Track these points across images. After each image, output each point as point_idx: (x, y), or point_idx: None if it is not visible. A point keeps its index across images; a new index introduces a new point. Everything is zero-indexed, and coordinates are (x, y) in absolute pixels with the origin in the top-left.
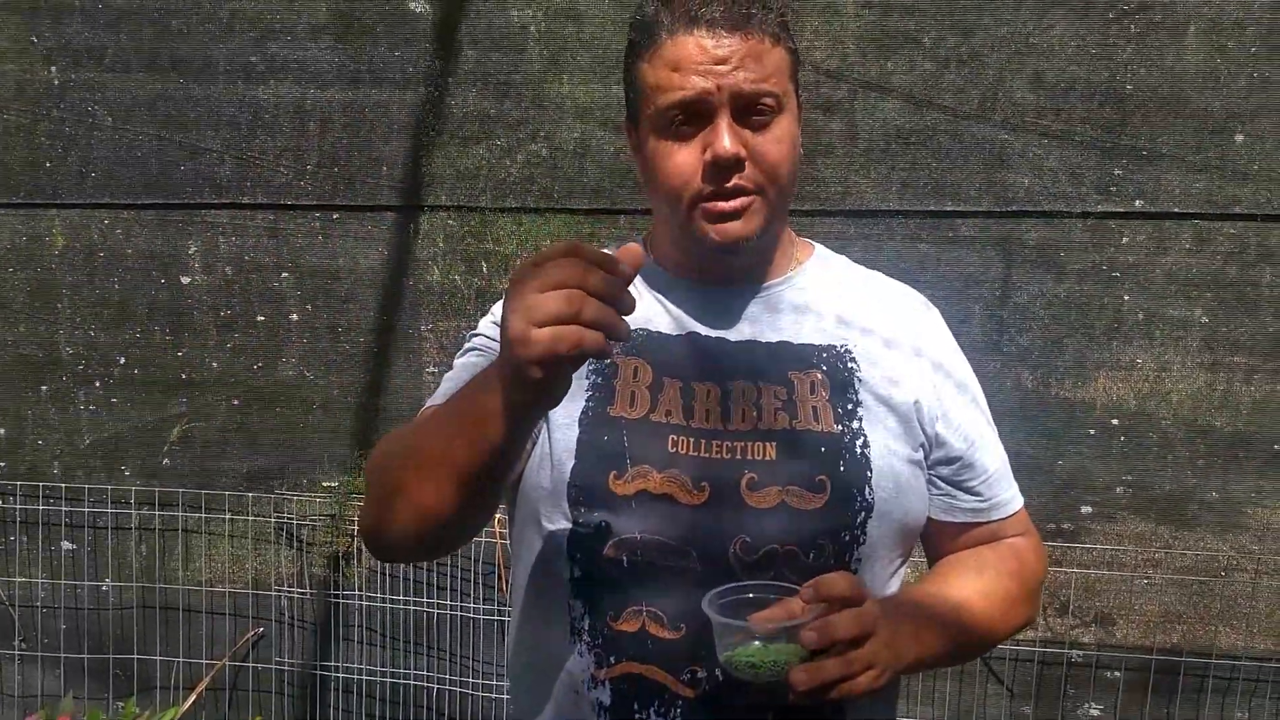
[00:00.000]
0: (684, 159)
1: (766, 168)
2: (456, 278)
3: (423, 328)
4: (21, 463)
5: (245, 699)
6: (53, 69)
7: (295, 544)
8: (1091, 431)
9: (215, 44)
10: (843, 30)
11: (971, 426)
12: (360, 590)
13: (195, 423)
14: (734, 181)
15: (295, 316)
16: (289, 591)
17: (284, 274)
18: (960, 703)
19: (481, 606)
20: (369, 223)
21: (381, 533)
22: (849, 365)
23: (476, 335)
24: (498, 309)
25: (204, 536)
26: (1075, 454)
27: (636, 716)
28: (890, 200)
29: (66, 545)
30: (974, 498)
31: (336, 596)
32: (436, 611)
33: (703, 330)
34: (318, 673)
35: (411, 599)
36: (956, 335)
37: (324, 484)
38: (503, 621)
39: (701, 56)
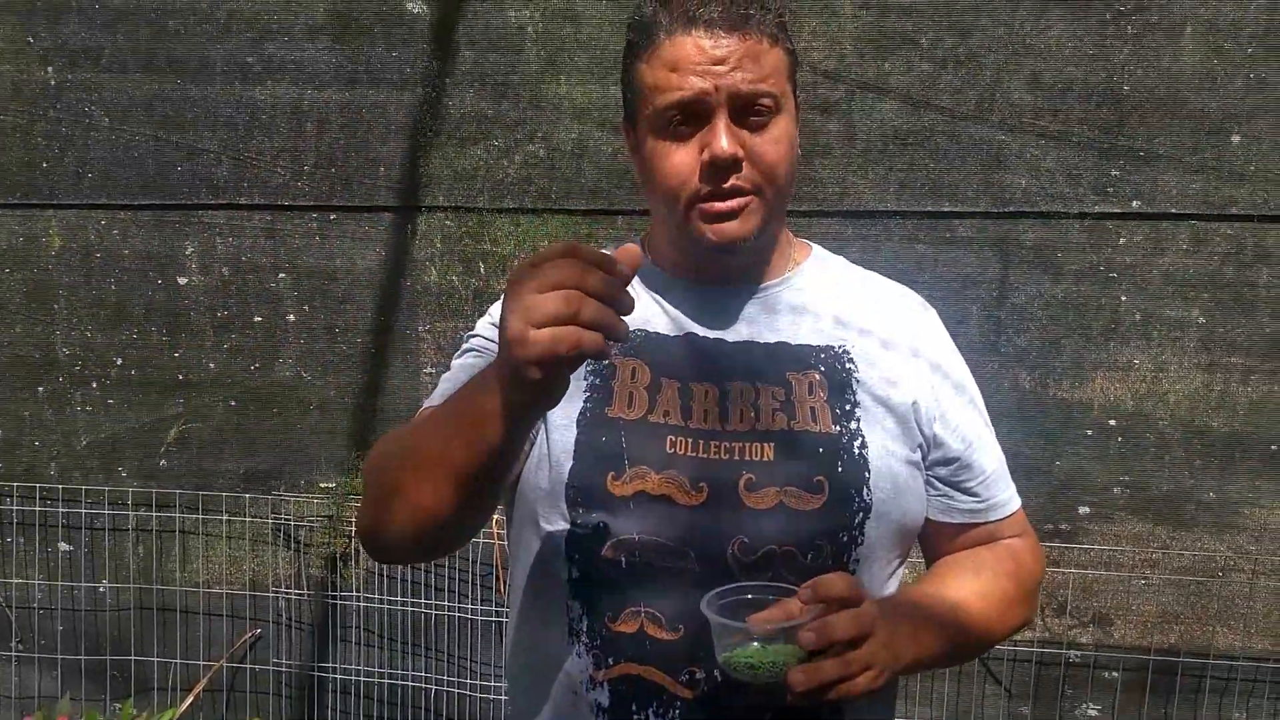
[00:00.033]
0: (681, 159)
1: (764, 168)
2: (454, 278)
3: (420, 328)
4: (18, 464)
5: (243, 700)
6: (49, 69)
7: (293, 545)
8: (1089, 432)
9: (212, 44)
10: (840, 31)
11: (969, 427)
12: (358, 591)
13: (192, 424)
14: (731, 182)
15: (292, 317)
16: (286, 592)
17: (281, 275)
18: (958, 703)
19: (479, 607)
20: (366, 223)
21: (379, 533)
22: (847, 366)
23: (474, 336)
24: (495, 310)
25: (201, 538)
26: (1073, 455)
27: (635, 717)
28: (888, 201)
29: (64, 546)
30: (972, 498)
31: (334, 597)
32: (434, 612)
33: (700, 331)
34: (315, 674)
35: (409, 600)
36: (954, 336)
37: (321, 485)
38: (500, 622)
39: (699, 57)
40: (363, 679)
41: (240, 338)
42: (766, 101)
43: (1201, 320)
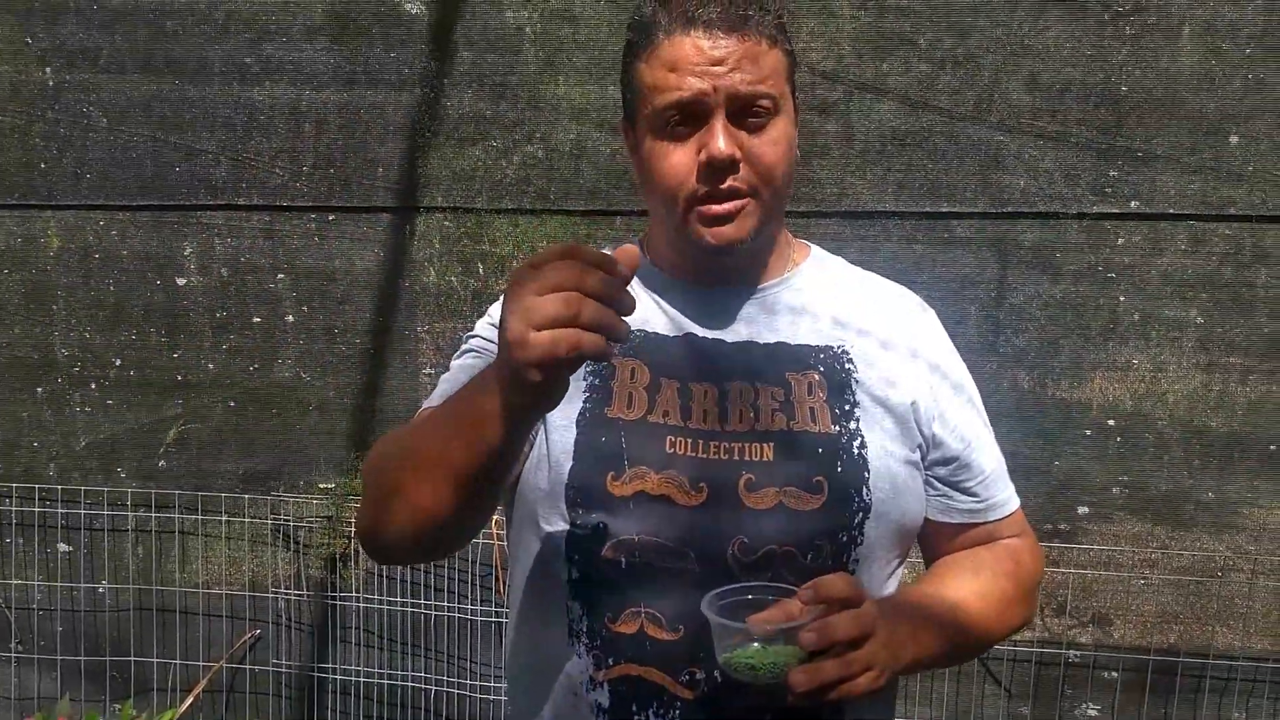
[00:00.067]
0: (679, 160)
1: (761, 170)
2: (453, 279)
3: (419, 329)
4: (17, 465)
5: (242, 701)
6: (47, 70)
7: (292, 546)
8: (1088, 432)
9: (210, 45)
10: (838, 32)
11: (968, 427)
12: (357, 592)
13: (191, 424)
14: (728, 183)
15: (291, 318)
16: (286, 593)
17: (280, 275)
18: (958, 703)
19: (479, 608)
20: (365, 224)
21: (378, 534)
22: (846, 366)
23: (473, 337)
24: (495, 310)
25: (200, 538)
26: (1072, 455)
27: (635, 718)
28: (886, 201)
29: (63, 547)
30: (971, 498)
31: (333, 598)
32: (434, 613)
33: (700, 331)
34: (315, 674)
35: (409, 600)
36: (953, 336)
37: (321, 485)
38: (500, 623)
39: (698, 57)
40: (362, 680)
41: (239, 338)
42: (765, 103)
43: (1200, 320)
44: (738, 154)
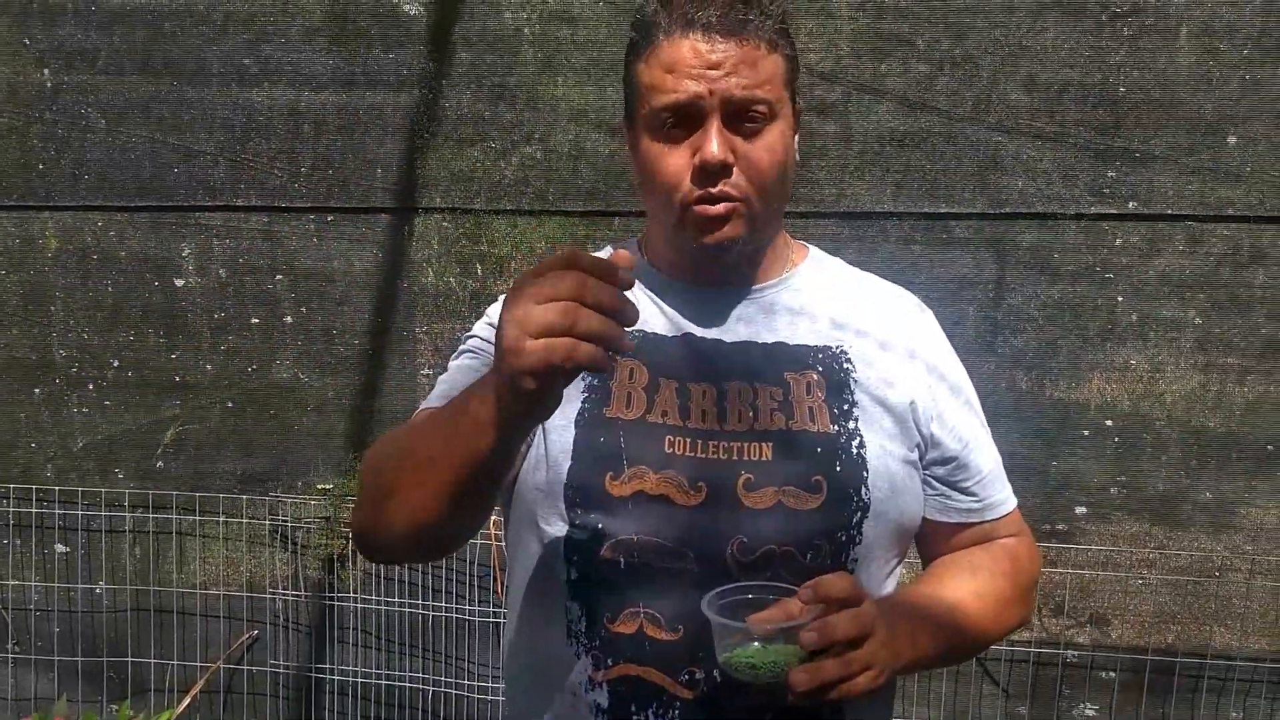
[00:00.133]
0: (675, 161)
1: (754, 175)
2: (451, 280)
3: (417, 330)
4: (15, 465)
5: (240, 701)
6: (45, 71)
7: (290, 546)
8: (1086, 432)
9: (209, 46)
10: (837, 33)
11: (966, 427)
12: (355, 592)
13: (189, 425)
14: (720, 187)
15: (289, 319)
16: (284, 594)
17: (278, 276)
18: (956, 703)
19: (477, 609)
20: (363, 225)
21: (373, 534)
22: (845, 366)
23: (471, 337)
24: (493, 310)
25: (198, 539)
26: (1069, 455)
27: (634, 718)
28: (884, 202)
29: (60, 548)
30: (969, 498)
31: (331, 599)
32: (432, 614)
33: (698, 331)
34: (313, 675)
35: (406, 601)
36: (951, 337)
37: (319, 486)
38: (498, 623)
39: (695, 60)
40: (360, 680)
41: (237, 339)
42: (760, 109)
43: (1198, 321)
44: (730, 159)
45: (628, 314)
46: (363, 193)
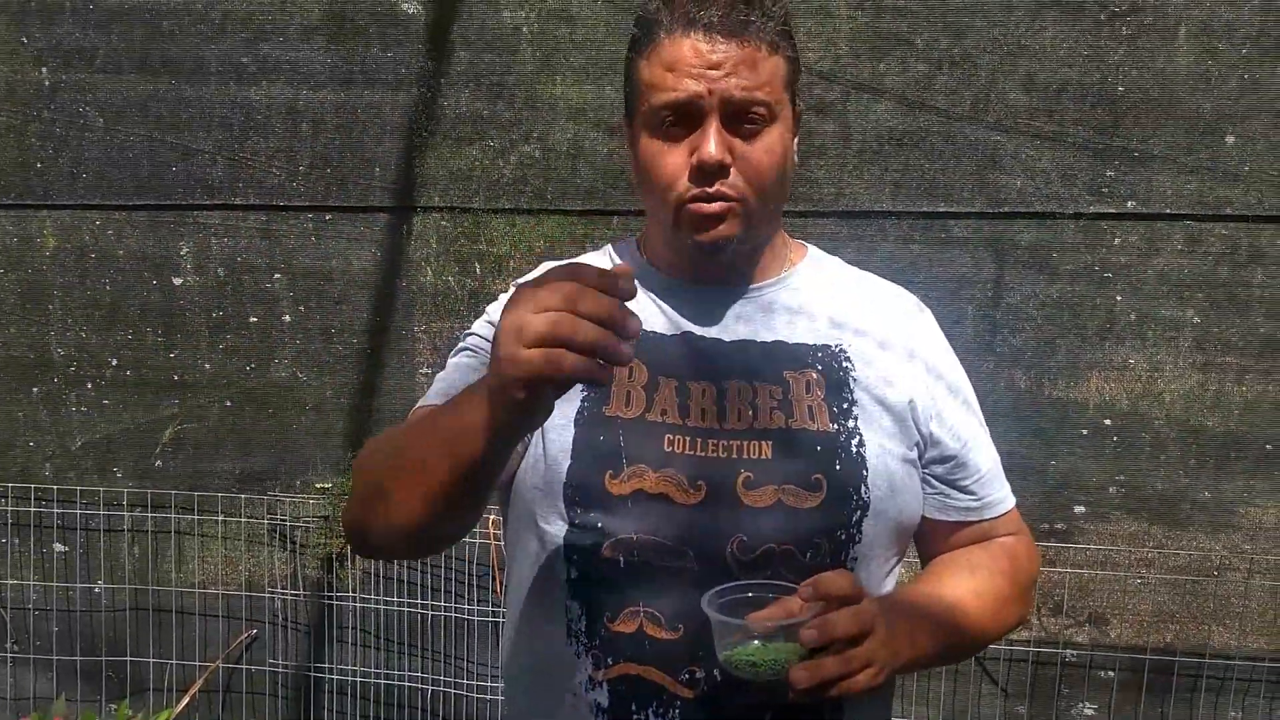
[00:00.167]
0: (673, 160)
1: (752, 176)
2: (450, 279)
3: (416, 329)
4: (13, 465)
5: (239, 701)
6: (43, 70)
7: (289, 546)
8: (1084, 432)
9: (207, 45)
10: (835, 32)
11: (964, 427)
12: (354, 592)
13: (188, 424)
14: (717, 187)
15: (288, 318)
16: (282, 593)
17: (276, 275)
18: (954, 703)
19: (476, 608)
20: (362, 224)
21: (365, 531)
22: (844, 365)
23: (471, 335)
24: (493, 309)
25: (197, 538)
26: (1068, 454)
27: (635, 717)
28: (883, 201)
29: (59, 547)
30: (967, 496)
31: (330, 598)
32: (431, 613)
33: (697, 330)
34: (311, 674)
35: (405, 600)
36: (949, 336)
37: (317, 485)
38: (497, 623)
39: (695, 60)
40: (359, 679)
41: (236, 338)
42: (760, 110)
43: (1196, 320)
44: (728, 159)
45: (629, 326)
46: (361, 191)
